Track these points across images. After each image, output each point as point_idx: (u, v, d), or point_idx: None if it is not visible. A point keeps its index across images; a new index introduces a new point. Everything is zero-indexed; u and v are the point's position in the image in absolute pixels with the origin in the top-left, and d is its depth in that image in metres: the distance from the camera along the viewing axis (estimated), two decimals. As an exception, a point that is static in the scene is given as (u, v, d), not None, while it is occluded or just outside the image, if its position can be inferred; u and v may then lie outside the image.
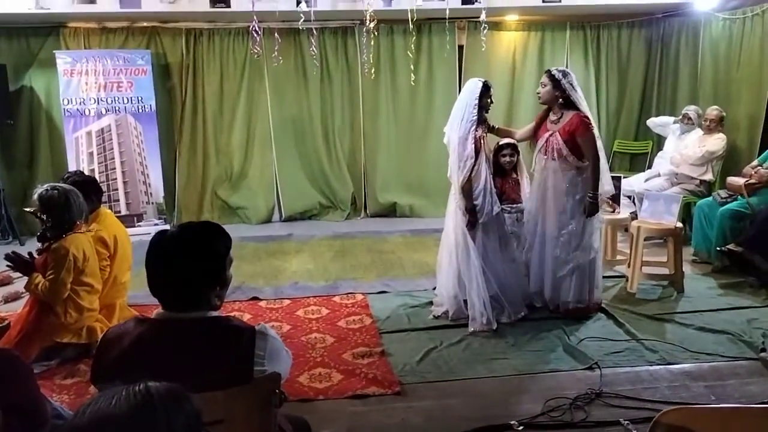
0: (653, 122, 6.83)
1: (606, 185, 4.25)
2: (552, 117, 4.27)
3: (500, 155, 4.46)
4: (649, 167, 6.83)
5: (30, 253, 3.71)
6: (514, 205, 4.44)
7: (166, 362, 1.47)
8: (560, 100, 4.18)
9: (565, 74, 4.18)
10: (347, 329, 4.14)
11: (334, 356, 3.72)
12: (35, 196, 3.57)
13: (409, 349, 3.82)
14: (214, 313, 1.73)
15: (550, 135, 4.22)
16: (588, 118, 4.14)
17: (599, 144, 4.19)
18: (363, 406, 3.20)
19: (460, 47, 7.49)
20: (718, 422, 1.66)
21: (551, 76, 4.18)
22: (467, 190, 4.05)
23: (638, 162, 7.59)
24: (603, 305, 4.39)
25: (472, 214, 4.06)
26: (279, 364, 1.73)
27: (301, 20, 5.39)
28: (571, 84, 4.15)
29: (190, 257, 1.68)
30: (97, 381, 1.65)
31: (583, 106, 4.19)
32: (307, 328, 4.17)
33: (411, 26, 6.03)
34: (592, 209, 4.15)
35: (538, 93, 4.30)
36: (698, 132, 6.10)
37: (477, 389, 3.36)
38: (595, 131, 4.18)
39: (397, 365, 3.59)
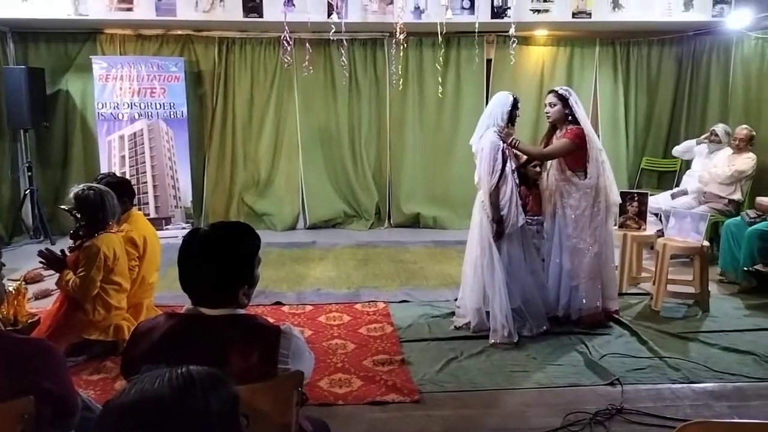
0: (678, 151, 6.79)
1: (604, 202, 4.31)
2: (558, 134, 4.36)
3: (530, 165, 4.45)
4: (677, 185, 6.77)
5: (62, 251, 3.80)
6: (536, 218, 4.44)
7: (193, 356, 1.51)
8: (569, 117, 4.27)
9: (570, 93, 4.31)
10: (368, 336, 4.17)
11: (355, 362, 3.75)
12: (71, 195, 3.66)
13: (429, 358, 3.83)
14: (242, 311, 1.78)
15: None
16: (582, 131, 4.21)
17: (595, 166, 4.23)
18: (382, 412, 3.22)
19: (488, 61, 7.52)
20: (738, 438, 1.66)
21: (559, 96, 4.29)
22: (495, 199, 4.07)
23: (666, 180, 7.52)
24: (626, 321, 4.38)
25: (499, 224, 4.08)
26: (302, 364, 1.77)
27: (332, 31, 5.47)
28: (576, 102, 4.28)
29: (222, 255, 1.73)
30: (126, 372, 1.71)
31: (586, 123, 4.29)
32: (328, 334, 4.21)
33: (440, 39, 6.09)
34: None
35: (547, 113, 4.38)
36: (728, 151, 6.04)
37: (496, 401, 3.36)
38: (593, 148, 4.23)
39: (417, 374, 3.60)
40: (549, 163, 4.39)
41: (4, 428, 1.62)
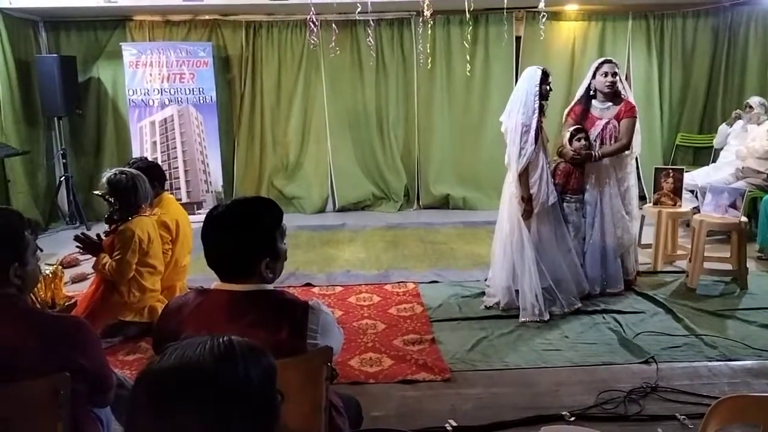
0: (717, 143, 6.60)
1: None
2: (599, 106, 4.35)
3: (574, 140, 4.31)
4: (713, 161, 6.60)
5: (98, 235, 3.88)
6: (575, 195, 4.36)
7: (222, 332, 1.53)
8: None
9: None
10: (398, 316, 4.17)
11: (385, 342, 3.76)
12: (104, 180, 3.72)
13: (459, 337, 3.82)
14: (269, 287, 1.78)
15: (607, 123, 4.29)
16: (635, 106, 4.38)
17: (638, 137, 4.42)
18: (413, 391, 3.23)
19: (518, 38, 7.39)
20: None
21: (616, 65, 4.33)
22: (524, 178, 4.02)
23: (702, 156, 7.34)
24: (661, 299, 4.33)
25: (528, 203, 4.03)
26: (331, 339, 1.77)
27: (358, 11, 5.42)
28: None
29: (239, 227, 1.74)
30: (158, 348, 1.73)
31: (630, 94, 4.44)
32: (358, 315, 4.22)
33: (468, 16, 5.98)
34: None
35: (612, 84, 4.27)
36: (765, 125, 5.86)
37: (527, 379, 3.34)
38: (638, 124, 4.39)
39: (448, 353, 3.59)
40: (596, 138, 4.34)
41: (41, 403, 1.66)
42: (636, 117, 4.32)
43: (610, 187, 4.33)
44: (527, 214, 4.05)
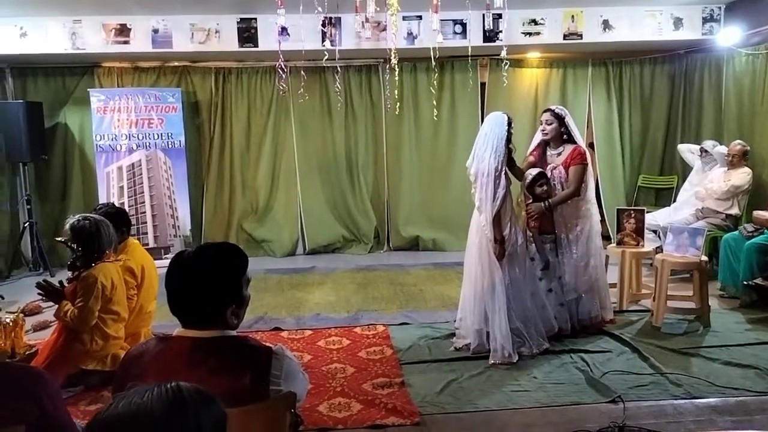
0: (686, 146, 6.81)
1: (595, 216, 4.56)
2: (552, 152, 4.53)
3: (536, 185, 4.41)
4: (674, 201, 6.79)
5: (60, 282, 3.81)
6: (548, 235, 4.46)
7: (183, 379, 1.51)
8: (564, 136, 4.47)
9: (565, 112, 4.53)
10: (368, 360, 4.15)
11: (354, 386, 3.72)
12: (67, 226, 3.68)
13: (429, 380, 3.80)
14: (232, 333, 1.78)
15: (554, 168, 4.45)
16: (585, 152, 4.46)
17: (591, 182, 4.55)
18: (382, 436, 3.19)
19: (483, 84, 7.59)
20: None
21: (556, 114, 4.46)
22: (498, 221, 4.09)
23: (663, 196, 7.54)
24: (627, 338, 4.37)
25: (502, 244, 4.09)
26: (295, 385, 1.76)
27: (325, 58, 5.53)
28: (571, 121, 4.51)
29: (205, 274, 1.74)
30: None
31: (581, 140, 4.54)
32: (327, 359, 4.18)
33: (434, 63, 6.13)
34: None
35: (544, 131, 4.49)
36: (723, 167, 6.07)
37: (497, 421, 3.33)
38: (590, 168, 4.50)
39: (417, 396, 3.57)
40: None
41: (-5, 457, 1.61)
42: (585, 163, 4.39)
43: (564, 231, 4.44)
44: (501, 255, 4.11)
